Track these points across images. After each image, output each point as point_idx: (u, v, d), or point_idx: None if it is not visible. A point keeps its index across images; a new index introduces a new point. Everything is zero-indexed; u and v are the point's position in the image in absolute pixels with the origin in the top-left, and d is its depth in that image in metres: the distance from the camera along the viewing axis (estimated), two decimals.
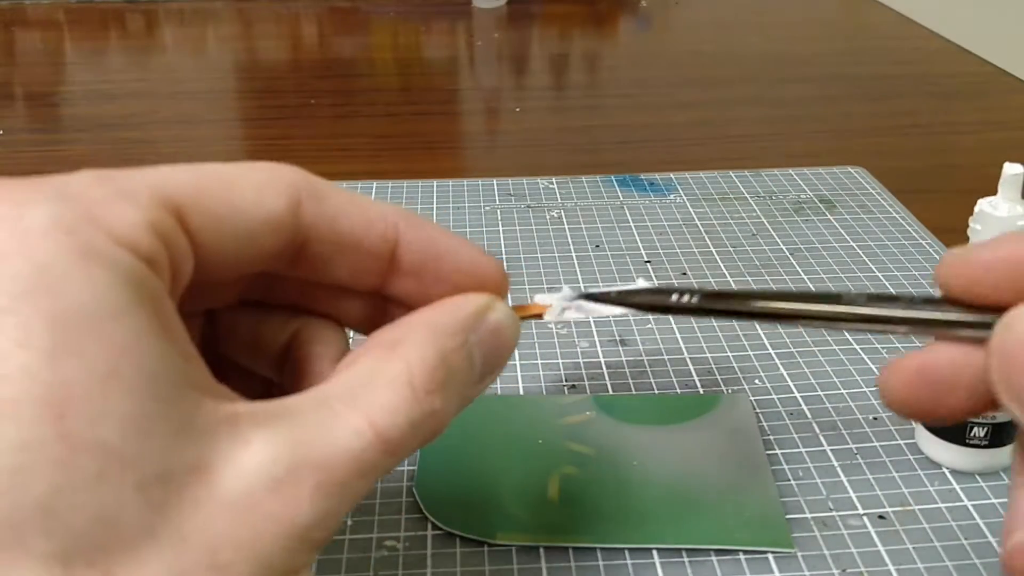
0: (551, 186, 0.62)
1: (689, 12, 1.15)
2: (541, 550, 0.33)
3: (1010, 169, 0.35)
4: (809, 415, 0.40)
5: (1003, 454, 0.37)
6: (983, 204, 0.35)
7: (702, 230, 0.56)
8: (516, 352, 0.45)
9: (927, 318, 0.22)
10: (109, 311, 0.17)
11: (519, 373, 0.43)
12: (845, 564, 0.33)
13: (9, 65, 0.96)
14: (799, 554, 0.33)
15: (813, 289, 0.50)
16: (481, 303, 0.24)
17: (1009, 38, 0.90)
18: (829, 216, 0.58)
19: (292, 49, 1.03)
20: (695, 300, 0.25)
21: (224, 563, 0.18)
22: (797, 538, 0.34)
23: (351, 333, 0.26)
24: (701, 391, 0.42)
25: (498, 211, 0.59)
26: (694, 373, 0.43)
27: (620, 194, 0.61)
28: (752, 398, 0.41)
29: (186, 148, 0.72)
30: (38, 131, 0.79)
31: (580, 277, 0.51)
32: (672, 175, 0.64)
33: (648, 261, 0.53)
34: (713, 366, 0.43)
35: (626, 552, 0.33)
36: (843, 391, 0.42)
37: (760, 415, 0.40)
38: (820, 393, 0.42)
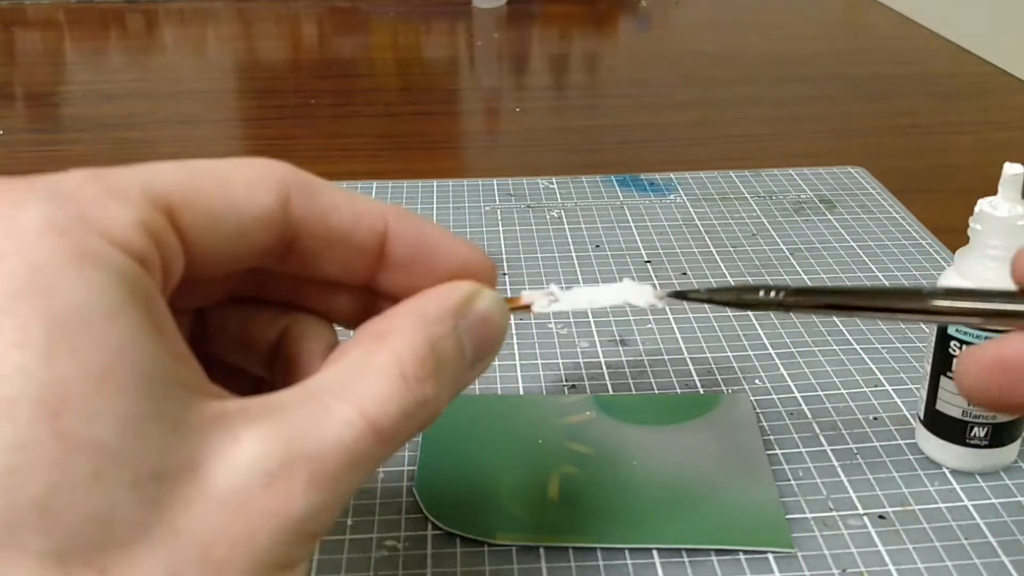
0: (551, 186, 0.62)
1: (689, 12, 1.15)
2: (541, 550, 0.33)
3: (1010, 169, 0.35)
4: (809, 415, 0.40)
5: (1003, 454, 0.37)
6: (983, 204, 0.35)
7: (702, 230, 0.56)
8: (516, 352, 0.46)
9: (1005, 310, 0.23)
10: (104, 311, 0.17)
11: (519, 373, 0.43)
12: (845, 564, 0.33)
13: (9, 65, 0.96)
14: (799, 554, 0.33)
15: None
16: (468, 290, 0.24)
17: (1009, 38, 0.90)
18: (829, 216, 0.58)
19: (292, 49, 1.03)
20: (781, 296, 0.26)
21: (219, 559, 0.18)
22: (797, 538, 0.34)
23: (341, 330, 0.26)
24: (701, 391, 0.42)
25: (498, 211, 0.59)
26: (694, 373, 0.43)
27: (620, 194, 0.61)
28: (752, 398, 0.41)
29: (186, 148, 0.72)
30: (38, 131, 0.79)
31: (580, 277, 0.51)
32: (672, 175, 0.64)
33: (648, 261, 0.53)
34: (713, 366, 0.43)
35: (626, 552, 0.33)
36: (843, 391, 0.42)
37: (760, 415, 0.40)
38: (820, 393, 0.42)
